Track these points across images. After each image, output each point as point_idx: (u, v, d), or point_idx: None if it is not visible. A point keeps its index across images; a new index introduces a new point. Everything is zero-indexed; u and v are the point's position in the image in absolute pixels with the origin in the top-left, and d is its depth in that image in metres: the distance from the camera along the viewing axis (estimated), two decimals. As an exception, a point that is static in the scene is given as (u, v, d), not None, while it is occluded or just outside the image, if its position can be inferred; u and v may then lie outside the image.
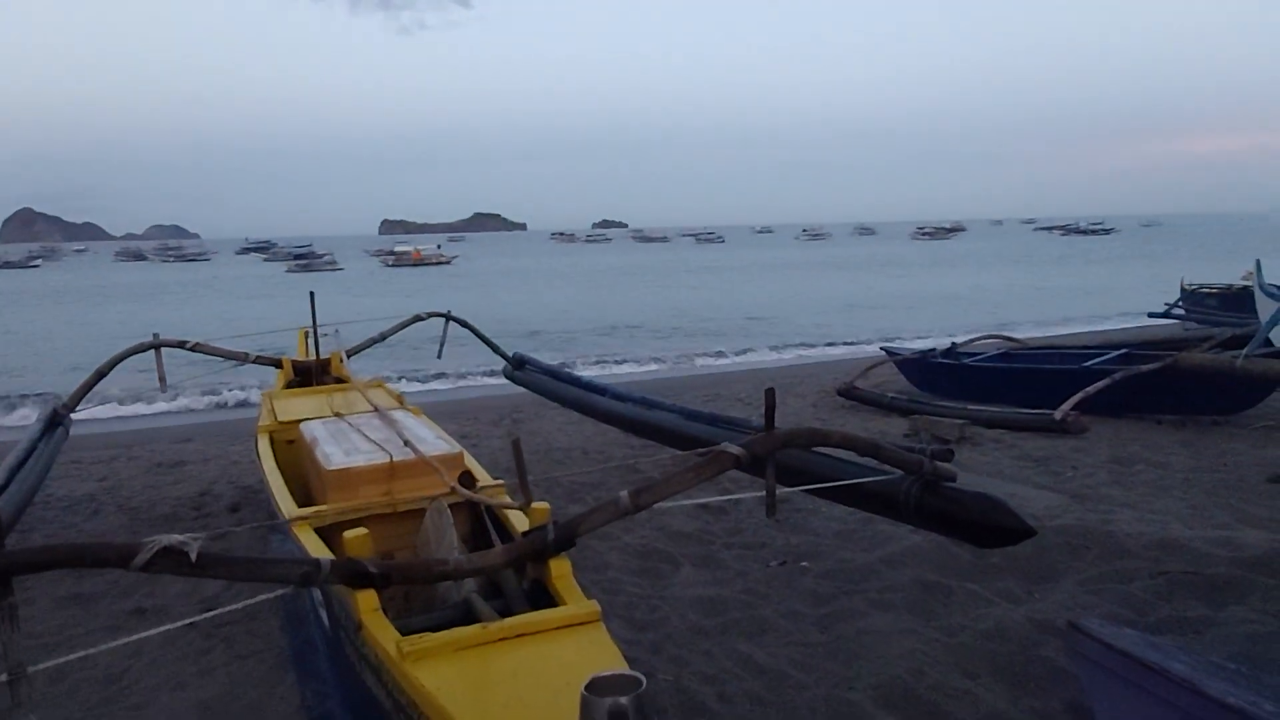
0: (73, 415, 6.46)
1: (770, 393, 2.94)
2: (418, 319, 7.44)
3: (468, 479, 3.37)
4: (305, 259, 79.35)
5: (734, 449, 2.78)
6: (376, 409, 4.39)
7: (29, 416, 15.23)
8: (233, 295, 47.85)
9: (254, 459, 4.84)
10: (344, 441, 3.68)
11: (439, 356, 7.94)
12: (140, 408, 14.10)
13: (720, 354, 19.83)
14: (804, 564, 4.76)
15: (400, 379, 16.00)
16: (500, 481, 3.57)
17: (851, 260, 68.68)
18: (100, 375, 6.22)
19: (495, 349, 7.73)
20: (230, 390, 14.81)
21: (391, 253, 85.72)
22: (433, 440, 3.65)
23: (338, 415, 4.38)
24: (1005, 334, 12.17)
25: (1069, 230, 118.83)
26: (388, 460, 3.36)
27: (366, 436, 3.75)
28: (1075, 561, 4.64)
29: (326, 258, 78.85)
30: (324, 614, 3.08)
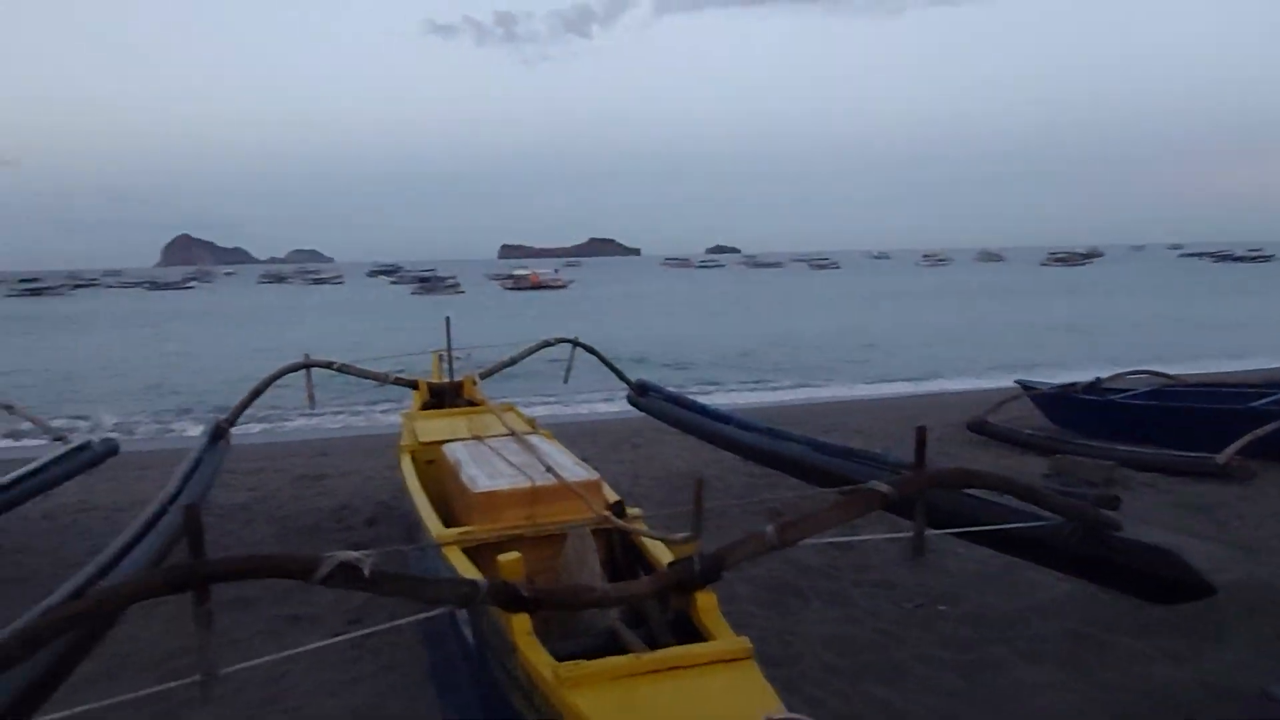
0: (232, 429, 6.94)
1: (921, 430, 2.86)
2: (546, 344, 7.64)
3: (619, 508, 3.41)
4: (429, 282, 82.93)
5: (883, 487, 2.71)
6: (513, 433, 4.52)
7: (176, 425, 16.58)
8: (364, 316, 50.45)
9: (397, 476, 5.06)
10: (486, 465, 3.81)
11: (565, 381, 8.12)
12: (282, 422, 15.08)
13: (837, 382, 19.42)
14: (941, 608, 4.57)
15: (528, 403, 16.49)
16: (639, 510, 3.60)
17: (976, 287, 66.05)
18: (257, 393, 6.67)
19: (620, 375, 7.84)
20: (361, 409, 15.63)
21: (510, 277, 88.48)
22: (571, 466, 3.72)
23: (477, 438, 4.53)
24: (1156, 369, 11.40)
25: (1222, 256, 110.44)
26: (530, 485, 3.45)
27: (507, 460, 3.86)
28: (1248, 620, 4.26)
29: (449, 281, 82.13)
30: (468, 632, 3.18)
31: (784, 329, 35.69)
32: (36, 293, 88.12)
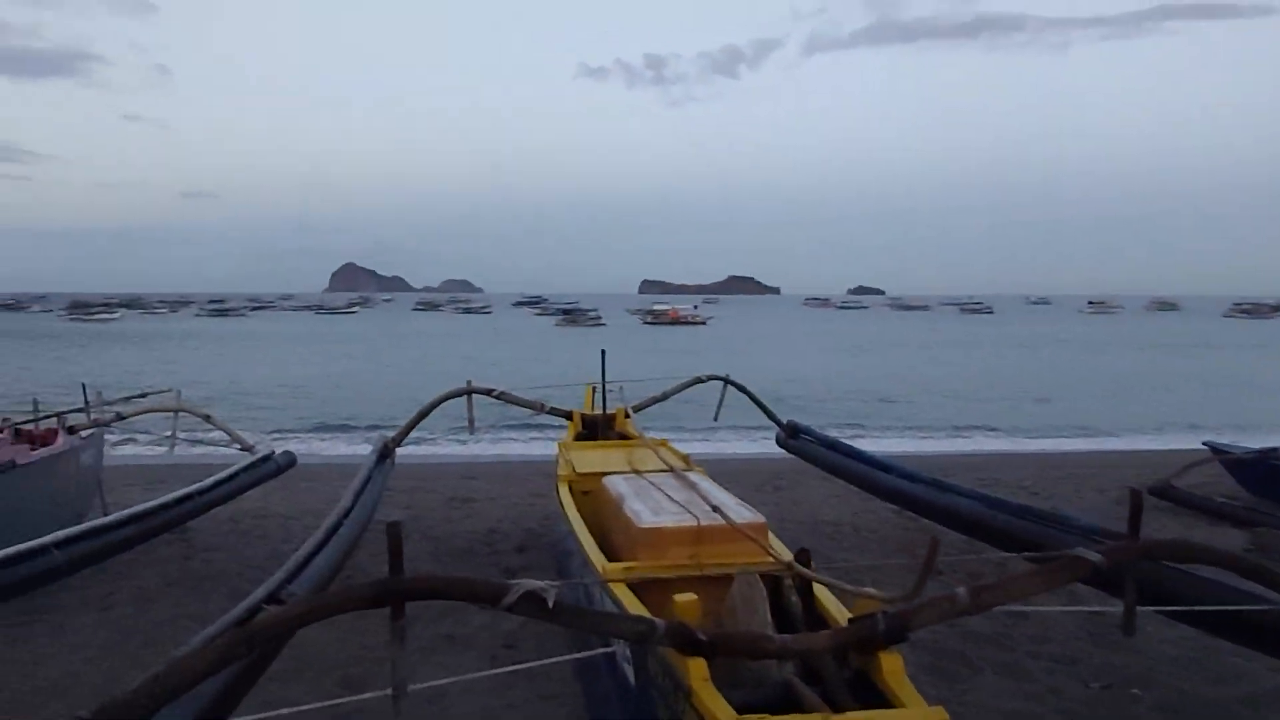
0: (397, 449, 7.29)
1: (1137, 496, 2.60)
2: (698, 381, 7.62)
3: (803, 556, 3.28)
4: (571, 314, 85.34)
5: (1092, 556, 2.47)
6: (672, 469, 4.49)
7: (340, 441, 17.66)
8: (510, 345, 52.38)
9: (554, 505, 5.13)
10: (649, 500, 3.78)
11: (715, 419, 8.05)
12: (433, 444, 15.76)
13: (993, 434, 18.34)
14: (1134, 691, 4.14)
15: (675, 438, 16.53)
16: (784, 556, 3.45)
17: (1147, 338, 61.21)
18: (422, 415, 6.99)
19: (770, 415, 7.69)
20: (506, 436, 16.07)
21: (650, 311, 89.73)
22: (735, 506, 3.64)
23: (636, 472, 4.53)
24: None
25: None
26: (695, 523, 3.39)
27: (670, 497, 3.82)
28: None
29: (591, 314, 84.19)
30: (629, 670, 3.13)
31: (930, 375, 34.24)
32: (222, 313, 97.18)
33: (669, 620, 2.38)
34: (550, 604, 2.20)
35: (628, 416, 7.16)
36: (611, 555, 3.69)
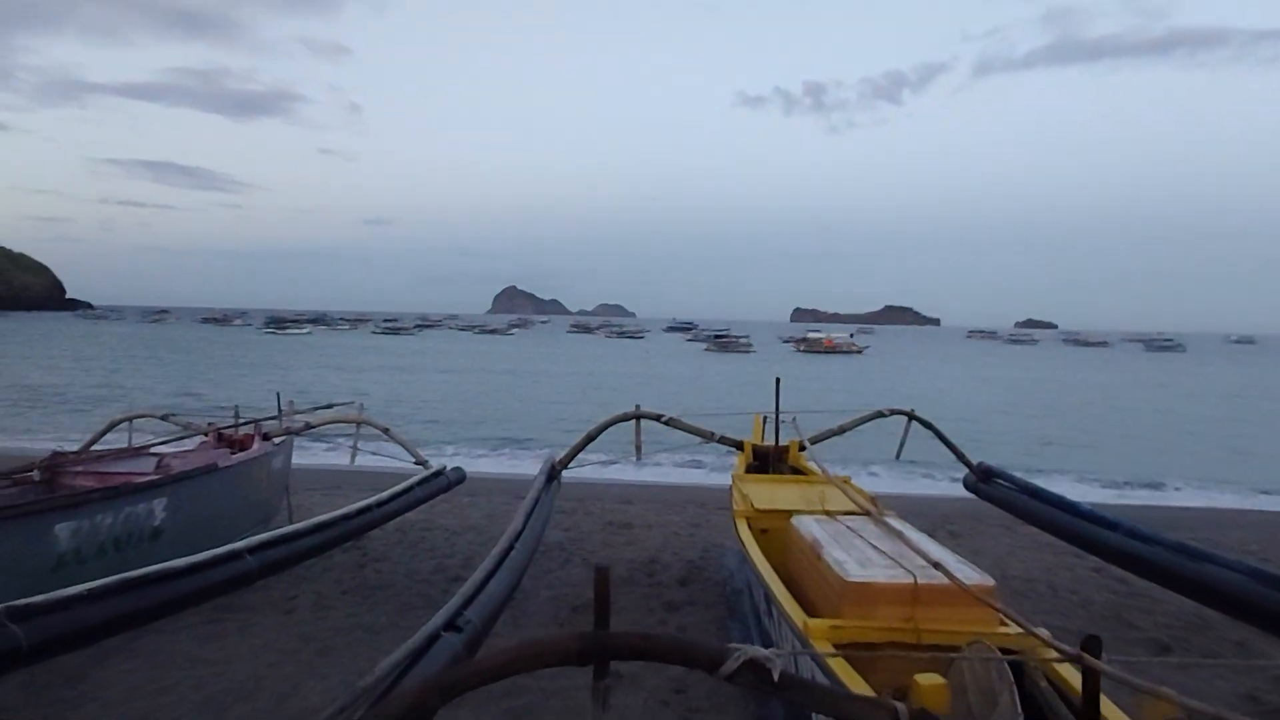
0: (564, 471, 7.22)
1: None
2: (880, 415, 7.10)
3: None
4: (722, 339, 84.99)
5: None
6: (869, 513, 4.07)
7: (503, 457, 18.11)
8: (664, 368, 52.63)
9: (728, 540, 4.81)
10: (850, 548, 3.40)
11: (897, 457, 7.48)
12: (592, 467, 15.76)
13: (1202, 487, 16.37)
14: None
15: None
16: (1043, 631, 2.93)
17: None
18: (590, 438, 6.87)
19: (960, 456, 7.05)
20: (659, 463, 15.83)
21: (803, 339, 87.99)
22: (954, 563, 3.18)
23: (826, 513, 4.15)
24: None
25: None
26: (910, 581, 2.98)
27: (873, 545, 3.42)
28: None
29: (741, 340, 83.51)
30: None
31: (1112, 417, 31.32)
32: (394, 331, 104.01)
33: (914, 709, 2.01)
34: (776, 676, 1.88)
35: (802, 449, 6.75)
36: (811, 608, 3.31)
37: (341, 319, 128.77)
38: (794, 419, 7.07)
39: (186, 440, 7.21)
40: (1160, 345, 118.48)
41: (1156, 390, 46.07)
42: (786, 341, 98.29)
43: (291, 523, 8.55)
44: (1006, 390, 42.96)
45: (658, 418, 6.78)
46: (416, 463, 7.20)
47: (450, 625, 3.30)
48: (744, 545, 4.27)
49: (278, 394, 8.08)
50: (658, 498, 12.49)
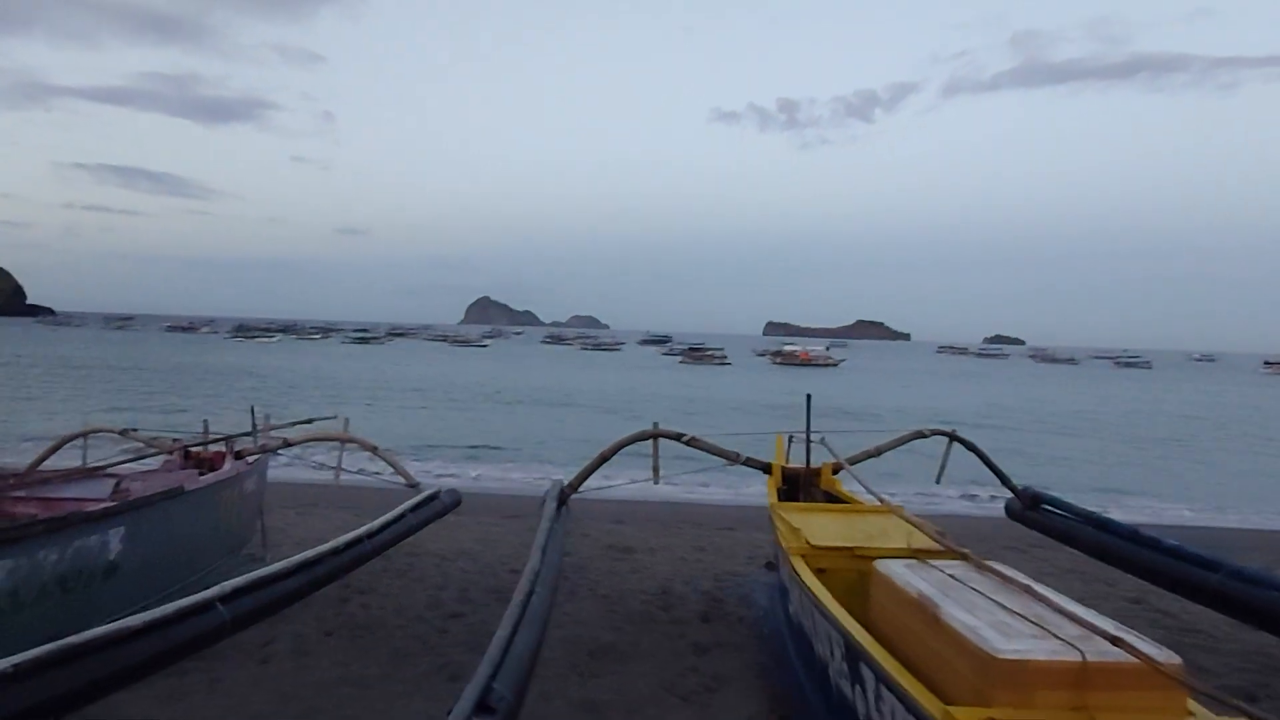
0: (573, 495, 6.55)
1: None
2: (919, 436, 6.51)
3: None
4: (697, 352, 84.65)
5: None
6: (963, 555, 3.45)
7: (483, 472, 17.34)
8: (639, 380, 52.01)
9: (785, 581, 4.16)
10: (971, 606, 2.77)
11: (938, 481, 6.90)
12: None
13: (1181, 504, 16.00)
14: None
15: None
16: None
17: (1345, 403, 54.36)
18: (603, 459, 6.22)
19: (1004, 480, 6.48)
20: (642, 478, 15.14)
21: (779, 352, 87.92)
22: (1129, 633, 2.55)
23: (915, 556, 3.53)
24: None
25: None
26: (1079, 659, 2.36)
27: (998, 603, 2.80)
28: None
29: (717, 352, 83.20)
30: None
31: (1093, 429, 31.19)
32: (364, 340, 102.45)
33: None
34: None
35: (836, 473, 6.15)
36: (930, 682, 2.65)
37: (312, 329, 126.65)
38: (823, 439, 6.46)
39: (148, 459, 6.43)
40: (1127, 362, 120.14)
41: (1132, 404, 46.28)
42: (761, 355, 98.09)
43: (265, 548, 7.81)
44: (989, 404, 42.82)
45: (678, 437, 6.14)
46: (408, 485, 6.48)
47: (482, 706, 2.63)
48: (811, 593, 3.63)
49: (252, 408, 7.32)
50: (651, 516, 11.84)
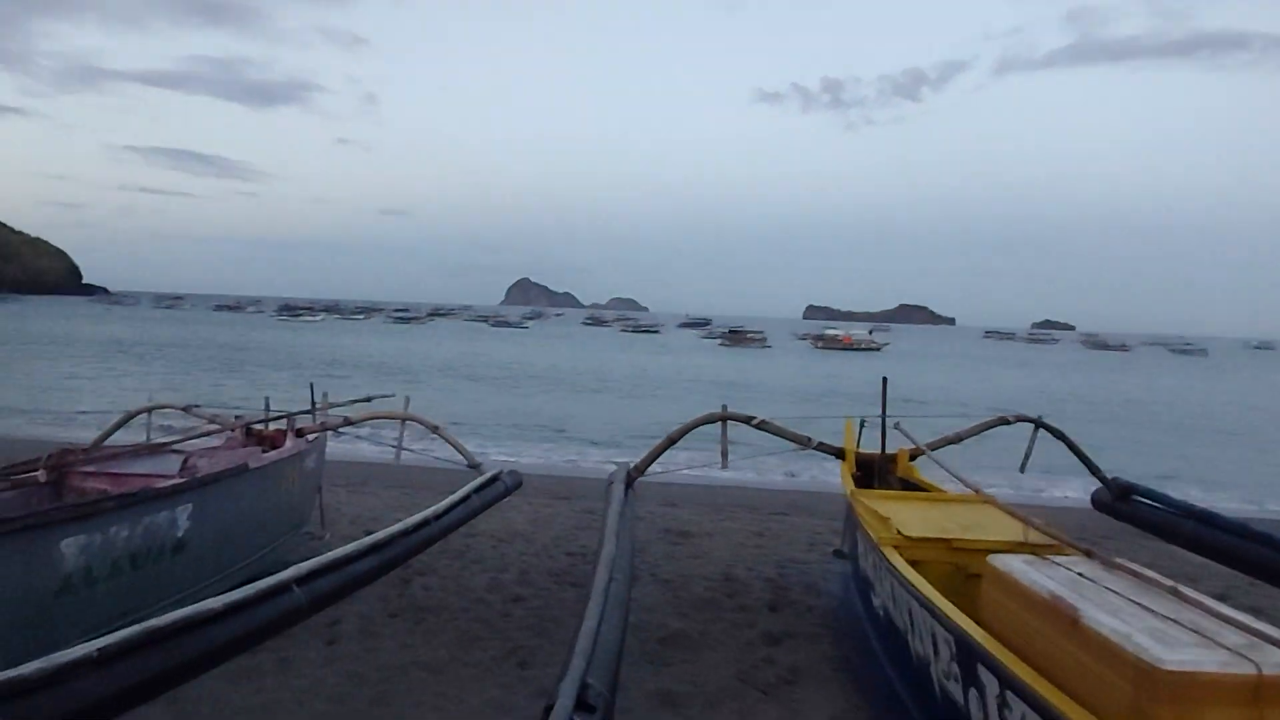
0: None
1: None
2: (1003, 422, 6.22)
3: None
4: (738, 334, 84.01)
5: None
6: (1089, 552, 3.20)
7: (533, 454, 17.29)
8: (679, 362, 51.74)
9: (884, 580, 3.93)
10: (1114, 610, 2.53)
11: (1022, 470, 6.60)
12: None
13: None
14: None
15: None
16: None
17: None
18: (670, 442, 6.04)
19: (1094, 470, 6.16)
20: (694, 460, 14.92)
21: (820, 336, 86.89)
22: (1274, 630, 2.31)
23: (1032, 551, 3.29)
24: None
25: None
26: (1254, 672, 2.11)
27: (1142, 606, 2.55)
28: None
29: (755, 335, 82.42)
30: None
31: (1152, 416, 30.24)
32: (405, 320, 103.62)
33: None
34: None
35: (912, 459, 5.89)
36: (1078, 695, 2.39)
37: (357, 309, 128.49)
38: (897, 424, 6.20)
39: (210, 436, 6.40)
40: (1182, 349, 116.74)
41: (1193, 392, 44.80)
42: (802, 338, 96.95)
43: (324, 526, 7.78)
44: (1042, 389, 41.75)
45: (748, 420, 5.93)
46: (469, 466, 6.36)
47: (581, 704, 2.47)
48: (912, 587, 3.41)
49: (310, 385, 7.26)
50: (703, 500, 11.63)
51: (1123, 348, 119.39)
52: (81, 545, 4.01)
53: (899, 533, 4.01)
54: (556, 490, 11.87)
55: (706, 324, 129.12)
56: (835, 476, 15.60)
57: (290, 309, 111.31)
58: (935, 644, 3.26)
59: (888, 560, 3.82)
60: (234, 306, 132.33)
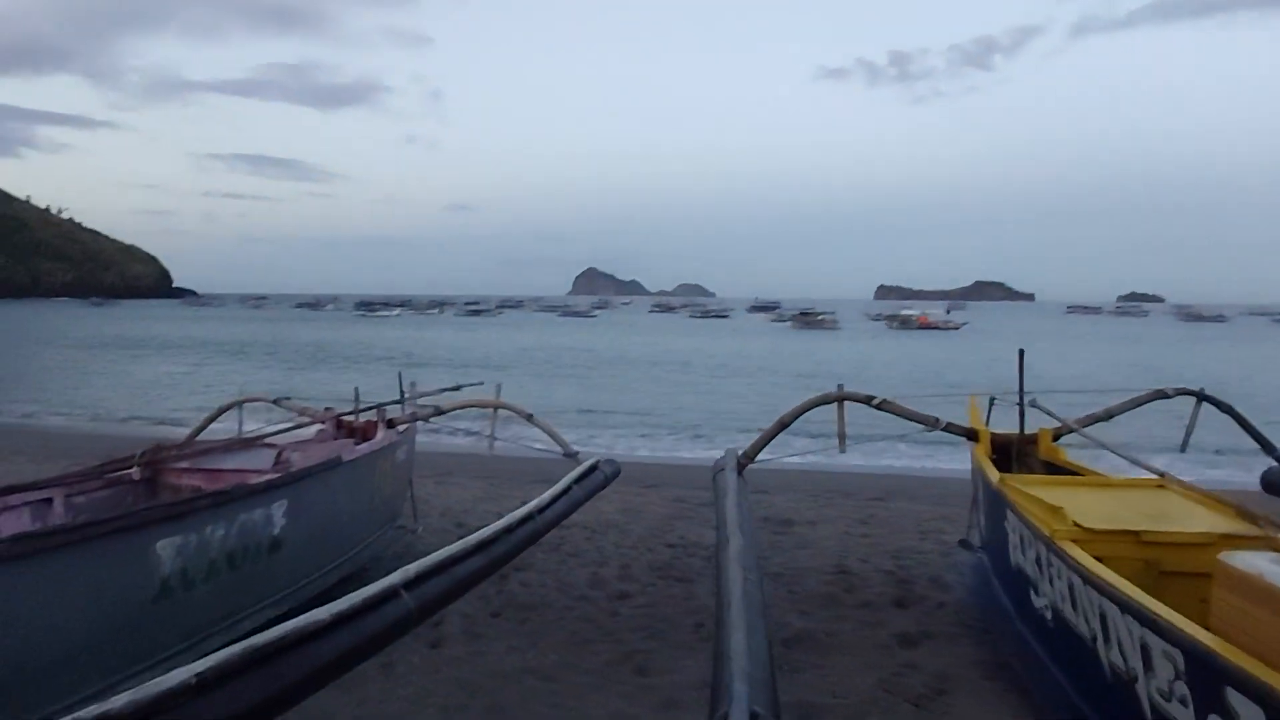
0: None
1: None
2: (1160, 395, 5.56)
3: None
4: (808, 316, 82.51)
5: None
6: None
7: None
8: (750, 346, 50.93)
9: (1063, 578, 3.40)
10: None
11: (1183, 449, 5.93)
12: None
13: None
14: None
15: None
16: None
17: None
18: (783, 426, 5.59)
19: (1268, 447, 5.47)
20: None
21: (895, 316, 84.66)
22: None
23: (1249, 545, 2.75)
24: None
25: None
26: None
27: None
28: None
29: (828, 317, 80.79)
30: None
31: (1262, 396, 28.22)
32: (476, 313, 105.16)
33: None
34: None
35: (1055, 440, 5.30)
36: None
37: (431, 303, 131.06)
38: (1034, 400, 5.60)
39: (301, 429, 6.21)
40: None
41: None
42: (876, 319, 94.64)
43: (415, 519, 7.59)
44: (1141, 367, 39.55)
45: (867, 400, 5.43)
46: (565, 454, 6.03)
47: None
48: (1112, 588, 2.89)
49: (399, 375, 7.05)
50: (791, 485, 11.09)
51: (1219, 318, 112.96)
52: (177, 546, 3.79)
53: (1075, 524, 3.47)
54: (643, 478, 11.51)
55: (776, 307, 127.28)
56: (929, 460, 14.82)
57: (367, 305, 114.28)
58: (1148, 658, 2.74)
59: (1068, 557, 3.29)
60: (314, 304, 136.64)
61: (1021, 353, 5.46)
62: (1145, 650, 2.75)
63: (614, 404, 24.00)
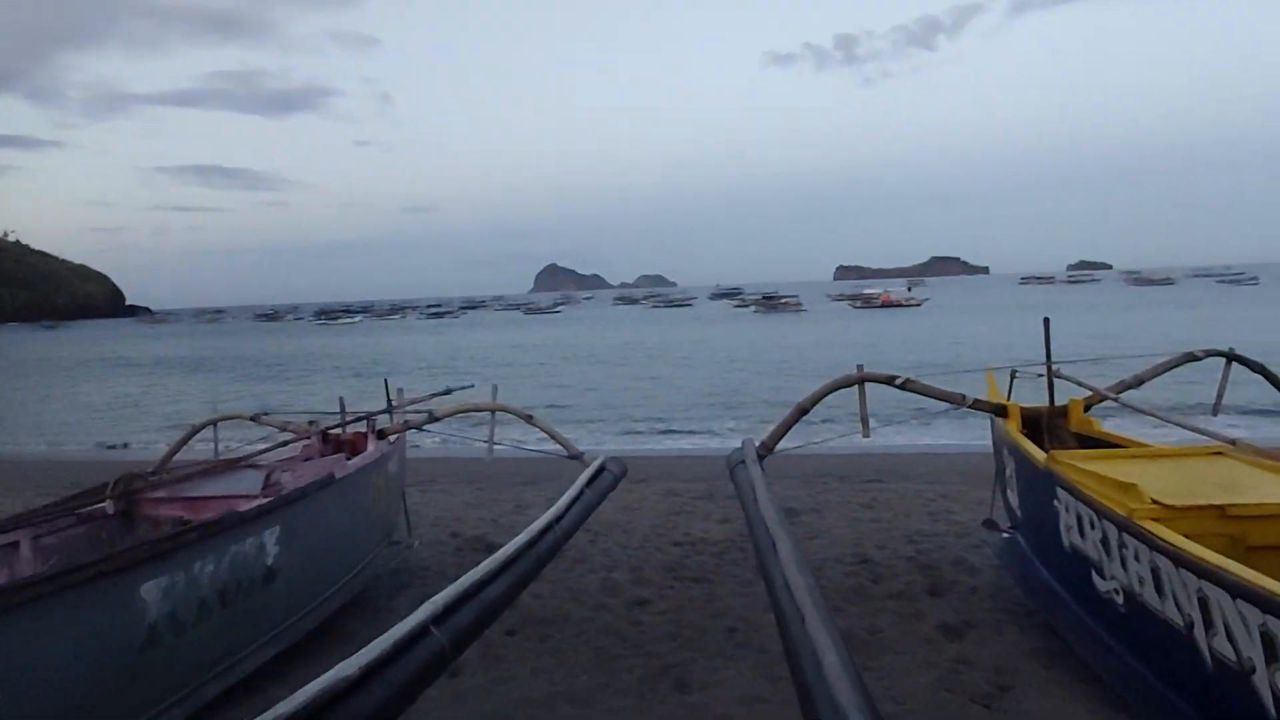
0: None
1: None
2: (1191, 358, 5.36)
3: None
4: (772, 300, 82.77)
5: None
6: None
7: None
8: (714, 333, 50.81)
9: (1142, 560, 3.14)
10: None
11: (1214, 412, 5.75)
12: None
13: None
14: None
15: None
16: None
17: None
18: (802, 412, 5.29)
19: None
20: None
21: (858, 296, 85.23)
22: None
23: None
24: None
25: None
26: None
27: None
28: None
29: (789, 300, 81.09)
30: None
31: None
32: (439, 315, 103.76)
33: None
34: None
35: (1087, 410, 5.08)
36: None
37: (392, 308, 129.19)
38: (1058, 369, 5.38)
39: (284, 447, 5.77)
40: (1231, 279, 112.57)
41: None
42: (837, 299, 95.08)
43: (411, 534, 7.18)
44: (1094, 333, 40.10)
45: (890, 380, 5.15)
46: (568, 455, 5.67)
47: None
48: (1227, 573, 2.64)
49: (385, 381, 6.63)
50: (780, 471, 10.76)
51: (1167, 281, 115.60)
52: (164, 588, 3.38)
53: (1154, 501, 3.22)
54: (632, 473, 11.13)
55: (738, 293, 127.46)
56: (917, 438, 14.54)
57: (328, 314, 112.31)
58: (1271, 647, 2.48)
59: (1153, 537, 3.04)
60: (272, 315, 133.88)
61: (1047, 321, 5.22)
62: (1268, 639, 2.50)
63: (583, 400, 23.61)
